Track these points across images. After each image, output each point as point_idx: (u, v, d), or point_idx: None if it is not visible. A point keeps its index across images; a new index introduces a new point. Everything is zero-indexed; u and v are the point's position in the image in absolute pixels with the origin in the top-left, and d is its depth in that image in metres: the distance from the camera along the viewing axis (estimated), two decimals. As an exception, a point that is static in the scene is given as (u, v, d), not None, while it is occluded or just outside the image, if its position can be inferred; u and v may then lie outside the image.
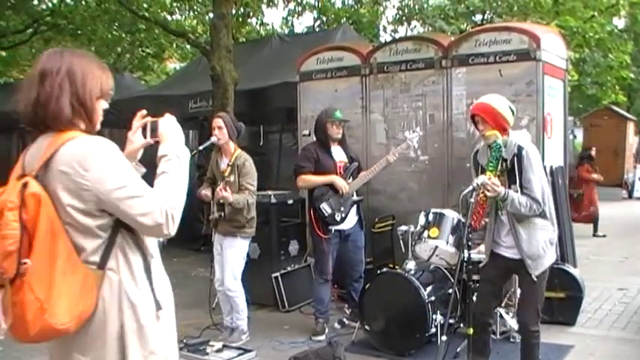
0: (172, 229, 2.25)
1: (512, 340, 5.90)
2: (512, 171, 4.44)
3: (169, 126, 2.47)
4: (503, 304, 6.07)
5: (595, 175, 13.32)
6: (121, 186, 2.18)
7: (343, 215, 6.30)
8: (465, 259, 4.47)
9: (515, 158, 4.43)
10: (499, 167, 4.45)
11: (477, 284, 4.87)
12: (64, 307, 2.13)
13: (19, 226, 2.09)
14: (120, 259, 2.27)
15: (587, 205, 12.98)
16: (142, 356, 2.29)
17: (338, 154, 6.45)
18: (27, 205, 2.12)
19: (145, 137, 2.56)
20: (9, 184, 2.26)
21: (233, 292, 6.00)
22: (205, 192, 6.09)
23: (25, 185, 2.15)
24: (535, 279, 4.46)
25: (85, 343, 2.25)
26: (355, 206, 6.45)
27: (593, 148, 14.47)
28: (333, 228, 6.30)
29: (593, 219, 12.96)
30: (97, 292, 2.22)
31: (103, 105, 2.42)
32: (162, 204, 2.22)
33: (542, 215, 4.45)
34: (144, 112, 2.61)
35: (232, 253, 5.99)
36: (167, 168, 2.34)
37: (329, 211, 6.25)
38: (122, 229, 2.27)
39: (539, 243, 4.45)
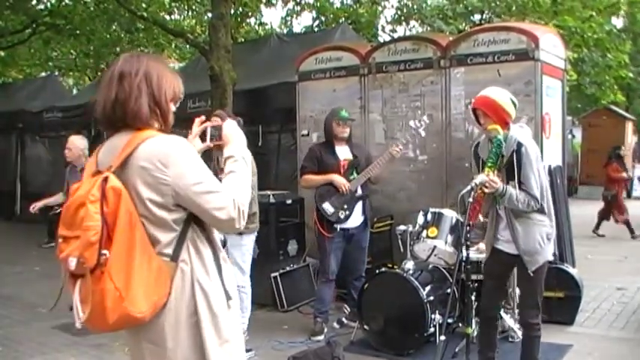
0: (242, 224, 2.38)
1: (510, 339, 5.90)
2: (511, 167, 4.44)
3: (233, 129, 2.61)
4: (502, 304, 6.08)
5: (624, 174, 13.34)
6: (198, 181, 2.31)
7: (347, 213, 6.26)
8: (464, 258, 4.47)
9: (514, 154, 4.43)
10: (498, 163, 4.45)
11: (476, 283, 4.88)
12: (142, 296, 2.23)
13: (100, 218, 2.19)
14: (191, 251, 2.38)
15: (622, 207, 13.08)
16: (218, 344, 2.38)
17: (343, 152, 6.42)
18: (107, 198, 2.22)
19: (204, 141, 2.71)
20: (83, 180, 2.37)
21: (242, 287, 5.96)
22: None
23: (105, 180, 2.25)
24: (532, 274, 4.48)
25: (156, 333, 2.35)
26: (361, 204, 6.39)
27: (622, 147, 14.45)
28: (339, 226, 6.28)
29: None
30: (170, 282, 2.32)
31: (173, 108, 2.56)
32: (234, 200, 2.34)
33: (540, 210, 4.46)
34: (202, 117, 2.77)
35: (239, 252, 5.95)
36: (235, 168, 2.48)
37: (331, 210, 6.23)
38: (193, 223, 2.39)
39: (536, 238, 4.46)
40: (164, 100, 2.46)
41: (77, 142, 7.33)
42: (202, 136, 2.71)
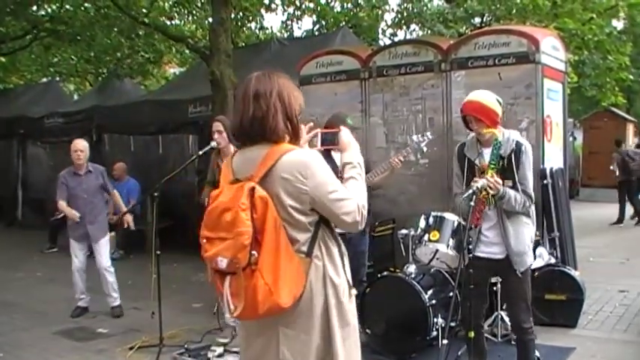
0: (363, 225, 2.75)
1: (513, 342, 5.87)
2: (510, 166, 4.44)
3: (349, 137, 2.94)
4: (504, 307, 6.06)
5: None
6: (333, 190, 2.67)
7: None
8: (466, 262, 4.46)
9: (514, 154, 4.43)
10: (498, 165, 4.45)
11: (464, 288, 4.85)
12: (286, 290, 2.58)
13: (250, 224, 2.53)
14: (322, 248, 2.73)
15: None
16: (340, 327, 2.73)
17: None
18: (256, 206, 2.56)
19: (312, 146, 2.96)
20: (222, 187, 2.74)
21: None
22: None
23: (252, 189, 2.57)
24: (520, 275, 4.48)
25: (292, 318, 2.68)
26: None
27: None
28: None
29: None
30: (305, 276, 2.66)
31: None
32: (358, 205, 2.71)
33: (527, 213, 4.50)
34: (311, 124, 3.04)
35: None
36: (354, 174, 2.84)
37: None
38: (322, 223, 2.74)
39: (525, 239, 4.49)
40: (294, 116, 2.78)
41: (86, 145, 7.44)
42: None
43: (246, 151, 2.77)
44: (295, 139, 2.80)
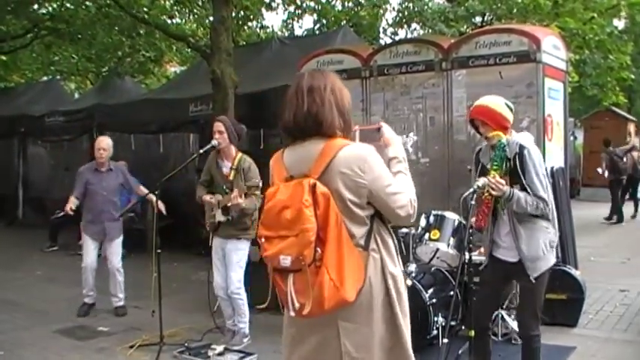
0: (414, 219, 2.82)
1: (514, 342, 5.89)
2: (515, 170, 4.39)
3: (391, 132, 2.97)
4: (504, 307, 6.07)
5: None
6: (389, 184, 2.71)
7: None
8: (466, 261, 4.45)
9: (517, 157, 4.38)
10: (504, 167, 4.42)
11: (477, 287, 4.84)
12: (350, 284, 2.59)
13: (315, 220, 2.54)
14: (378, 241, 2.75)
15: None
16: (401, 317, 2.77)
17: None
18: (318, 202, 2.57)
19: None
20: (277, 185, 2.72)
21: (237, 294, 6.00)
22: (208, 198, 6.05)
23: (314, 186, 2.58)
24: (533, 281, 4.39)
25: (352, 312, 2.67)
26: None
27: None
28: None
29: None
30: (364, 269, 2.68)
31: None
32: (410, 199, 2.76)
33: (545, 217, 4.40)
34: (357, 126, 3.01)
35: (239, 255, 6.00)
36: (402, 168, 2.87)
37: None
38: (377, 217, 2.76)
39: (539, 245, 4.38)
40: (346, 112, 2.79)
41: (110, 143, 7.42)
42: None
43: (298, 147, 2.77)
44: (347, 134, 2.81)
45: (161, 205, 6.60)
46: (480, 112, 4.52)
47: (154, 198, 6.71)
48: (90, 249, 7.41)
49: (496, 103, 4.52)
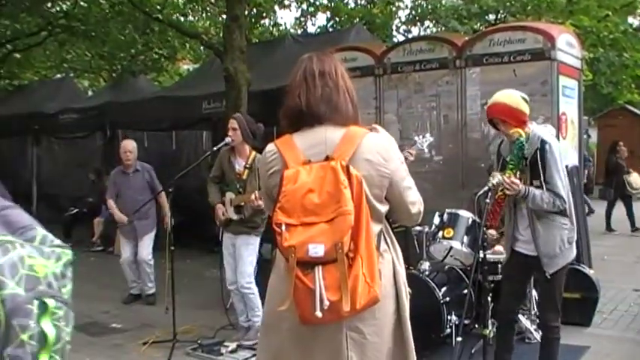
0: (420, 219, 2.73)
1: (527, 340, 5.87)
2: (535, 165, 4.34)
3: (385, 133, 2.76)
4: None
5: None
6: (405, 176, 2.61)
7: None
8: (480, 259, 4.44)
9: (538, 152, 4.32)
10: (520, 166, 4.39)
11: (493, 284, 4.83)
12: (377, 282, 2.35)
13: (352, 203, 2.28)
14: (388, 241, 2.61)
15: None
16: (409, 325, 2.67)
17: None
18: (352, 185, 2.32)
19: None
20: (296, 169, 2.40)
21: (248, 289, 6.00)
22: (220, 207, 6.09)
23: (347, 167, 2.35)
24: (549, 277, 4.40)
25: (360, 319, 2.43)
26: None
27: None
28: None
29: None
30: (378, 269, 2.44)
31: None
32: (419, 197, 2.67)
33: (563, 213, 4.37)
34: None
35: (249, 250, 6.02)
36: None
37: None
38: (384, 217, 2.62)
39: (557, 241, 4.37)
40: (355, 98, 2.65)
41: (135, 145, 7.81)
42: None
43: (309, 132, 2.53)
44: (356, 121, 2.62)
45: (167, 212, 7.00)
46: (498, 111, 4.47)
47: (166, 204, 7.11)
48: (125, 247, 7.89)
49: (514, 99, 4.46)
